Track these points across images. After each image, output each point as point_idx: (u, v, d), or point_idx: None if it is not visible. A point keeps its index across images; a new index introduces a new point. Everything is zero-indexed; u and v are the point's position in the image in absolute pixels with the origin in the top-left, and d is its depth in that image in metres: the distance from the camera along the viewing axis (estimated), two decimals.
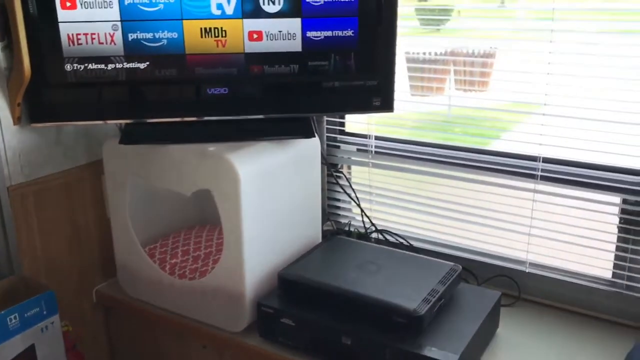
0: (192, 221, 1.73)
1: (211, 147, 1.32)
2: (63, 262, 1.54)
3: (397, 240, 1.70)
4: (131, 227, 1.49)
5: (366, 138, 1.72)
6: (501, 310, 1.45)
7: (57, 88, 1.34)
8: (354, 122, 1.77)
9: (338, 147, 1.77)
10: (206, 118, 1.39)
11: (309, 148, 1.50)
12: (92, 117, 1.39)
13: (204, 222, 1.74)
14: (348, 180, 1.77)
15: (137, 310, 1.56)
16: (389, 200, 1.74)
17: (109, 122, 1.41)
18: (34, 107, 1.36)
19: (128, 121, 1.39)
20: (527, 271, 1.55)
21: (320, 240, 1.60)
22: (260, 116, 1.41)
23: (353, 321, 1.27)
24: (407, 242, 1.70)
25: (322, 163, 1.59)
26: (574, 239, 1.49)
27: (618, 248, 1.44)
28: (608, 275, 1.48)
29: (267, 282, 1.41)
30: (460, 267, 1.41)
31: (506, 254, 1.59)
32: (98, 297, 1.63)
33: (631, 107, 1.34)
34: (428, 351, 1.18)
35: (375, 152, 1.71)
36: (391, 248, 1.56)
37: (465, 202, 1.62)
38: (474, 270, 1.60)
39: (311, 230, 1.58)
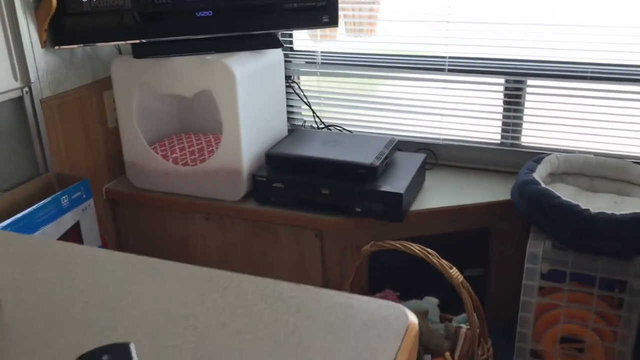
0: (178, 130, 2.15)
1: (208, 57, 1.75)
2: (81, 165, 1.91)
3: (342, 131, 2.22)
4: (138, 129, 1.89)
5: (314, 52, 2.20)
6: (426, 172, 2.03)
7: (76, 16, 1.69)
8: (301, 39, 2.24)
9: (290, 61, 2.23)
10: (197, 36, 1.80)
11: (276, 58, 1.96)
12: (105, 39, 1.76)
13: (187, 130, 2.16)
14: (300, 88, 2.24)
15: (144, 198, 1.97)
16: (334, 101, 2.24)
17: (119, 42, 1.79)
18: (59, 32, 1.70)
19: (135, 41, 1.77)
20: (441, 143, 2.13)
21: (286, 134, 2.09)
22: (239, 33, 1.84)
23: (327, 178, 1.78)
24: (351, 132, 2.22)
25: None
26: (473, 114, 2.08)
27: (503, 117, 2.05)
28: (498, 138, 2.09)
29: (256, 161, 1.89)
30: (397, 138, 1.96)
31: (425, 131, 2.16)
32: (107, 194, 2.02)
33: (510, 10, 1.92)
34: (384, 188, 1.72)
35: (322, 62, 2.19)
36: (343, 132, 2.07)
37: (393, 96, 2.16)
38: (402, 147, 2.16)
39: (281, 125, 2.05)
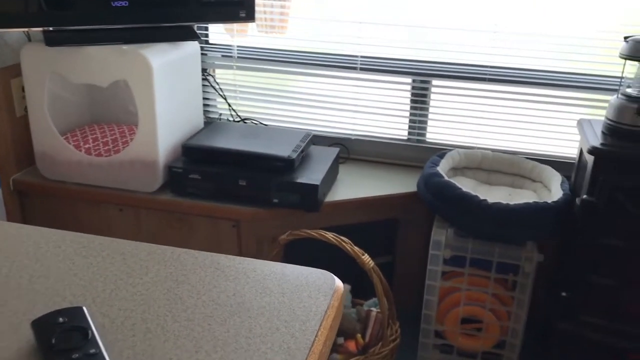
0: (90, 121, 2.14)
1: (125, 47, 1.77)
2: None
3: (257, 125, 2.31)
4: (49, 119, 1.87)
5: (230, 46, 2.26)
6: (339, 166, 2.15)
7: None
8: (216, 32, 2.30)
9: (206, 54, 2.28)
10: (113, 26, 1.82)
11: (193, 50, 2.01)
12: (12, 25, 1.73)
13: (100, 121, 2.15)
14: (216, 81, 2.30)
15: (55, 189, 1.95)
16: (250, 95, 2.32)
17: (28, 29, 1.77)
18: None
19: (47, 28, 1.76)
20: (353, 138, 2.27)
21: (202, 126, 2.14)
22: (155, 24, 1.88)
23: (245, 170, 1.86)
24: (266, 126, 2.30)
25: None
26: (383, 111, 2.23)
27: (410, 114, 2.22)
28: (405, 134, 2.26)
29: (172, 152, 1.93)
30: (312, 133, 2.07)
31: (339, 127, 2.28)
32: (15, 185, 1.98)
33: (417, 14, 2.09)
34: (300, 179, 1.82)
35: (238, 57, 2.26)
36: (260, 125, 2.15)
37: (308, 92, 2.27)
38: (317, 142, 2.27)
39: (197, 117, 2.11)
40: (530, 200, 1.84)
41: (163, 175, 1.90)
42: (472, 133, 2.18)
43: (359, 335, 1.73)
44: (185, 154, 1.92)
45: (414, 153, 2.25)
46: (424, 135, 2.24)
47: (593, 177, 1.62)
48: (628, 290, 1.70)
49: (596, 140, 1.62)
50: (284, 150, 1.89)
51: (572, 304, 1.74)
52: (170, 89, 1.87)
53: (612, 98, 1.66)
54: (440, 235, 1.82)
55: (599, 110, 2.00)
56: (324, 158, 2.02)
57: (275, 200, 1.85)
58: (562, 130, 2.08)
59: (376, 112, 2.24)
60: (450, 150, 2.08)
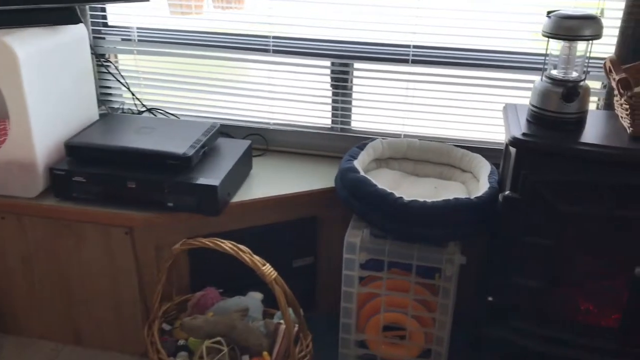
0: None
1: None
2: None
3: (166, 116, 2.09)
4: None
5: (130, 29, 2.03)
6: (254, 159, 1.96)
7: None
8: (118, 13, 2.06)
9: (103, 38, 2.05)
10: None
11: (78, 34, 1.78)
12: None
13: None
14: (117, 67, 2.07)
15: None
16: (155, 82, 2.10)
17: None
18: None
19: None
20: (271, 128, 2.07)
21: (97, 119, 1.92)
22: (29, 6, 1.64)
23: (136, 170, 1.65)
24: (176, 116, 2.09)
25: (91, 53, 1.88)
26: (302, 98, 2.03)
27: (332, 101, 2.02)
28: (328, 122, 2.07)
29: (56, 153, 1.71)
30: (219, 124, 1.86)
31: (255, 116, 2.08)
32: None
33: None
34: (197, 180, 1.62)
35: (139, 40, 2.03)
36: (161, 117, 1.94)
37: (220, 77, 2.06)
38: (233, 133, 2.07)
39: (89, 110, 1.88)
40: (455, 195, 1.67)
41: (44, 178, 1.69)
42: (399, 120, 1.99)
43: (265, 353, 1.56)
44: (70, 153, 1.70)
45: (338, 143, 2.06)
46: (348, 123, 2.05)
47: (515, 171, 1.45)
48: (556, 293, 1.55)
49: (518, 130, 1.45)
50: (181, 146, 1.68)
51: (499, 308, 1.59)
52: (46, 80, 1.64)
53: (536, 81, 1.48)
54: (354, 237, 1.64)
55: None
56: (232, 152, 1.82)
57: (170, 204, 1.65)
58: (493, 115, 1.90)
59: (295, 98, 2.04)
60: (374, 139, 1.90)
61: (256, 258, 1.49)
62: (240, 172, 1.83)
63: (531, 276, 1.52)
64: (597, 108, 1.83)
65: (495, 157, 1.80)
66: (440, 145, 1.89)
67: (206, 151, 1.76)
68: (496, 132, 1.92)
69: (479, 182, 1.75)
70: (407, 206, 1.55)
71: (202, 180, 1.62)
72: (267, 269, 1.47)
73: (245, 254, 1.48)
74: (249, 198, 1.77)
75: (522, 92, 1.85)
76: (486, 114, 1.91)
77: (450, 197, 1.60)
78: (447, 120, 1.96)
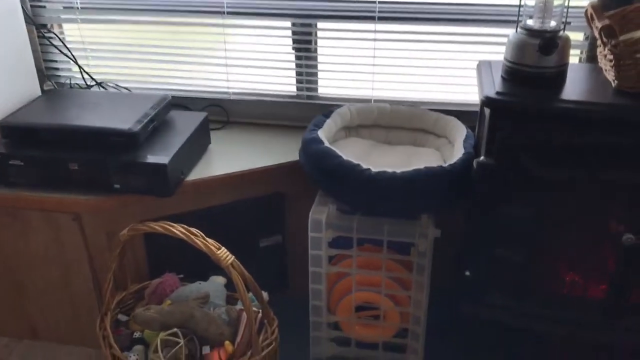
0: None
1: None
2: None
3: (117, 89, 1.93)
4: None
5: None
6: (213, 133, 1.81)
7: None
8: None
9: (44, 6, 1.88)
10: None
11: (7, 4, 1.61)
12: None
13: None
14: (61, 39, 1.91)
15: None
16: (104, 54, 1.93)
17: None
18: None
19: None
20: (231, 98, 1.92)
21: (39, 96, 1.76)
22: None
23: (78, 150, 1.51)
24: (128, 90, 1.94)
25: (29, 23, 1.71)
26: (264, 64, 1.88)
27: (296, 65, 1.87)
28: (293, 90, 1.92)
29: None
30: (170, 96, 1.71)
31: (213, 86, 1.93)
32: None
33: None
34: (145, 158, 1.48)
35: (82, 7, 1.86)
36: (109, 91, 1.79)
37: (172, 45, 1.90)
38: (189, 105, 1.92)
39: (28, 88, 1.72)
40: (428, 164, 1.55)
41: None
42: (368, 84, 1.85)
43: (227, 343, 1.44)
44: (5, 134, 1.55)
45: (305, 111, 1.91)
46: (314, 90, 1.90)
47: (490, 134, 1.31)
48: (538, 264, 1.44)
49: (492, 88, 1.31)
50: (126, 121, 1.53)
51: (476, 283, 1.47)
52: None
53: (511, 33, 1.34)
54: (320, 213, 1.51)
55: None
56: (186, 127, 1.67)
57: (117, 186, 1.51)
58: (468, 74, 1.76)
59: (255, 65, 1.88)
60: (342, 106, 1.76)
61: (210, 242, 1.36)
62: (196, 147, 1.69)
63: (511, 248, 1.40)
64: (580, 62, 1.70)
65: (472, 120, 1.67)
66: (412, 109, 1.75)
67: (156, 126, 1.61)
68: (472, 93, 1.78)
69: (454, 147, 1.62)
70: (375, 178, 1.42)
71: (150, 159, 1.48)
72: (222, 253, 1.35)
73: (198, 237, 1.35)
74: (207, 176, 1.63)
75: (499, 48, 1.71)
76: (461, 73, 1.77)
77: (423, 165, 1.47)
78: (419, 82, 1.82)
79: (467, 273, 1.47)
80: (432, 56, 1.77)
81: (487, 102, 1.28)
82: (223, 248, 1.36)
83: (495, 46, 1.71)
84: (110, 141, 1.50)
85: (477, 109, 1.68)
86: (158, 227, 1.38)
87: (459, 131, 1.64)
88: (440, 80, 1.80)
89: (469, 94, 1.79)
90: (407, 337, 1.62)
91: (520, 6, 1.32)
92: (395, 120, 1.77)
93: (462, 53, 1.74)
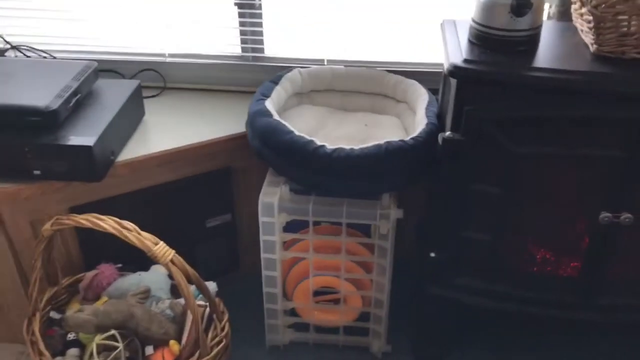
0: None
1: None
2: None
3: (38, 55, 1.71)
4: None
5: None
6: (148, 102, 1.63)
7: None
8: None
9: None
10: None
11: None
12: None
13: None
14: None
15: None
16: (18, 13, 1.70)
17: None
18: None
19: None
20: (168, 61, 1.73)
21: None
22: None
23: None
24: (50, 55, 1.71)
25: None
26: (203, 22, 1.68)
27: (240, 24, 1.68)
28: (237, 51, 1.73)
29: None
30: (96, 62, 1.51)
31: (147, 47, 1.72)
32: None
33: None
34: (66, 140, 1.30)
35: None
36: (23, 58, 1.57)
37: (98, 2, 1.68)
38: (120, 70, 1.72)
39: None
40: (389, 134, 1.42)
41: None
42: (321, 43, 1.68)
43: (172, 342, 1.31)
44: None
45: (251, 74, 1.73)
46: (261, 50, 1.72)
47: (457, 107, 1.18)
48: (508, 243, 1.34)
49: (458, 55, 1.17)
50: (44, 96, 1.33)
51: (443, 265, 1.37)
52: None
53: None
54: (271, 195, 1.37)
55: None
56: (115, 98, 1.48)
57: (37, 172, 1.32)
58: (430, 31, 1.61)
59: (194, 22, 1.68)
60: (292, 68, 1.59)
61: (146, 236, 1.20)
62: (128, 121, 1.51)
63: (479, 228, 1.30)
64: (549, 17, 1.56)
65: (435, 82, 1.54)
66: (370, 71, 1.61)
67: (80, 100, 1.42)
68: (435, 52, 1.64)
69: (415, 115, 1.48)
70: (331, 157, 1.28)
71: (72, 140, 1.30)
72: (160, 250, 1.20)
73: (131, 232, 1.20)
74: (142, 154, 1.46)
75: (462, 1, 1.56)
76: (422, 29, 1.62)
77: (382, 138, 1.33)
78: (377, 41, 1.66)
79: (433, 254, 1.36)
80: (390, 10, 1.61)
81: (454, 71, 1.14)
82: (161, 243, 1.21)
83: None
84: (25, 121, 1.31)
85: (440, 69, 1.54)
86: (85, 220, 1.21)
87: (421, 97, 1.50)
88: (399, 38, 1.64)
89: (432, 52, 1.64)
90: (369, 320, 1.52)
91: None
92: (351, 84, 1.63)
93: (422, 7, 1.58)
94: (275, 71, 1.61)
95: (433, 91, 1.52)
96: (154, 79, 1.73)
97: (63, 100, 1.34)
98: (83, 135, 1.31)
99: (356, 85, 1.62)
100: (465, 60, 1.14)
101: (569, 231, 1.31)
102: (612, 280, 1.31)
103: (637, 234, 1.23)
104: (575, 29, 1.26)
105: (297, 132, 1.32)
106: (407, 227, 1.54)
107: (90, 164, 1.31)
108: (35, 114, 1.30)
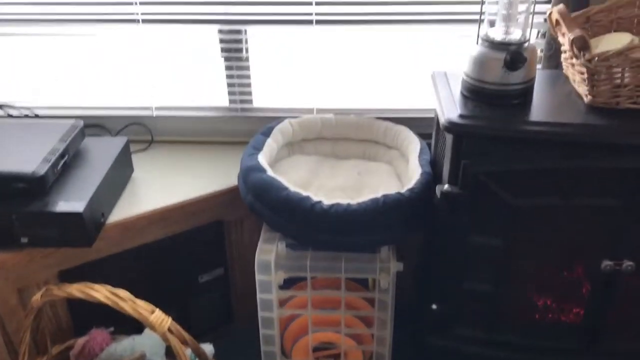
0: None
1: None
2: None
3: (21, 113, 1.68)
4: None
5: None
6: (136, 156, 1.60)
7: None
8: None
9: None
10: None
11: None
12: None
13: None
14: None
15: None
16: (4, 70, 1.67)
17: None
18: None
19: None
20: (155, 115, 1.70)
21: None
22: None
23: None
24: (33, 113, 1.68)
25: None
26: (190, 75, 1.66)
27: (227, 76, 1.67)
28: (225, 102, 1.72)
29: None
30: (82, 122, 1.48)
31: (133, 103, 1.70)
32: None
33: None
34: (55, 207, 1.26)
35: None
36: (7, 119, 1.53)
37: (82, 58, 1.65)
38: (106, 125, 1.69)
39: None
40: (383, 183, 1.42)
41: None
42: (309, 93, 1.67)
43: None
44: None
45: (240, 125, 1.72)
46: (249, 101, 1.71)
47: (454, 161, 1.18)
48: (507, 295, 1.33)
49: (454, 110, 1.16)
50: (30, 160, 1.30)
51: (444, 316, 1.35)
52: None
53: (471, 46, 1.19)
54: (267, 253, 1.34)
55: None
56: (103, 157, 1.45)
57: (24, 240, 1.28)
58: (417, 78, 1.61)
59: (180, 76, 1.67)
60: (284, 119, 1.58)
61: (141, 305, 1.16)
62: (117, 181, 1.48)
63: (480, 279, 1.29)
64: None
65: (425, 127, 1.54)
66: (359, 119, 1.60)
67: (67, 161, 1.39)
68: (422, 98, 1.64)
69: (408, 162, 1.48)
70: (328, 213, 1.26)
71: (62, 207, 1.26)
72: (157, 318, 1.16)
73: (126, 302, 1.16)
74: (132, 214, 1.43)
75: (446, 50, 1.57)
76: (409, 77, 1.62)
77: (376, 187, 1.32)
78: (365, 89, 1.66)
79: (434, 307, 1.34)
80: (377, 60, 1.61)
81: (450, 127, 1.13)
82: (157, 311, 1.17)
83: (443, 49, 1.57)
84: (11, 187, 1.27)
85: (429, 114, 1.54)
86: (76, 291, 1.17)
87: (412, 143, 1.50)
88: (388, 86, 1.65)
89: (419, 99, 1.65)
90: None
91: (481, 16, 1.17)
92: (342, 132, 1.62)
93: (410, 55, 1.59)
94: (264, 122, 1.60)
95: (423, 136, 1.52)
96: (142, 133, 1.70)
97: (50, 164, 1.30)
98: (72, 200, 1.28)
99: (346, 132, 1.62)
100: (461, 116, 1.14)
101: (571, 279, 1.30)
102: (614, 325, 1.30)
103: (639, 279, 1.23)
104: (566, 78, 1.26)
105: (292, 189, 1.30)
106: (404, 272, 1.52)
107: (81, 230, 1.27)
108: (21, 180, 1.27)
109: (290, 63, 1.64)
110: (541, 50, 1.50)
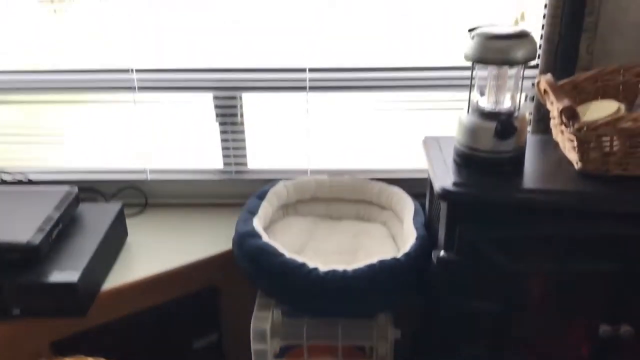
0: None
1: None
2: None
3: (14, 179, 1.68)
4: None
5: None
6: (130, 220, 1.60)
7: None
8: None
9: None
10: None
11: None
12: None
13: None
14: None
15: None
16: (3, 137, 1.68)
17: None
18: None
19: None
20: (149, 179, 1.71)
21: None
22: None
23: None
24: (26, 178, 1.68)
25: None
26: (186, 138, 1.68)
27: (222, 140, 1.69)
28: (220, 165, 1.73)
29: None
30: (77, 188, 1.48)
31: (127, 166, 1.71)
32: None
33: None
34: (49, 277, 1.25)
35: None
36: (6, 184, 1.54)
37: (77, 124, 1.67)
38: (100, 189, 1.69)
39: None
40: (378, 245, 1.42)
41: None
42: (303, 155, 1.69)
43: None
44: None
45: (235, 188, 1.73)
46: (243, 164, 1.72)
47: (449, 228, 1.18)
48: (506, 358, 1.32)
49: (447, 177, 1.18)
50: (24, 229, 1.29)
51: None
52: None
53: (462, 115, 1.22)
54: (263, 321, 1.33)
55: (453, 111, 1.58)
56: (97, 224, 1.45)
57: (17, 312, 1.26)
58: (408, 140, 1.64)
59: (175, 140, 1.69)
60: (278, 181, 1.59)
61: None
62: (111, 247, 1.47)
63: (477, 343, 1.28)
64: None
65: (417, 187, 1.55)
66: (353, 180, 1.62)
67: (61, 230, 1.38)
68: (414, 159, 1.66)
69: (402, 223, 1.49)
70: (324, 279, 1.25)
71: (55, 277, 1.25)
72: None
73: None
74: (126, 281, 1.41)
75: (435, 112, 1.60)
76: (401, 139, 1.65)
77: (372, 249, 1.33)
78: (358, 150, 1.68)
79: None
80: (370, 124, 1.64)
81: (444, 195, 1.15)
82: None
83: (432, 111, 1.60)
84: (5, 258, 1.26)
85: (422, 175, 1.55)
86: None
87: (406, 205, 1.51)
88: (380, 147, 1.67)
89: (411, 160, 1.67)
90: None
91: (471, 88, 1.20)
92: (336, 193, 1.63)
93: (402, 119, 1.62)
94: (259, 184, 1.61)
95: (416, 195, 1.53)
96: (136, 196, 1.71)
97: (45, 233, 1.30)
98: (66, 270, 1.27)
99: (340, 193, 1.63)
100: (455, 184, 1.15)
101: (569, 342, 1.29)
102: None
103: (638, 343, 1.22)
104: (556, 144, 1.29)
105: (288, 255, 1.30)
106: (402, 337, 1.51)
107: (75, 300, 1.25)
108: (16, 250, 1.26)
109: (284, 125, 1.66)
110: (530, 114, 1.54)
